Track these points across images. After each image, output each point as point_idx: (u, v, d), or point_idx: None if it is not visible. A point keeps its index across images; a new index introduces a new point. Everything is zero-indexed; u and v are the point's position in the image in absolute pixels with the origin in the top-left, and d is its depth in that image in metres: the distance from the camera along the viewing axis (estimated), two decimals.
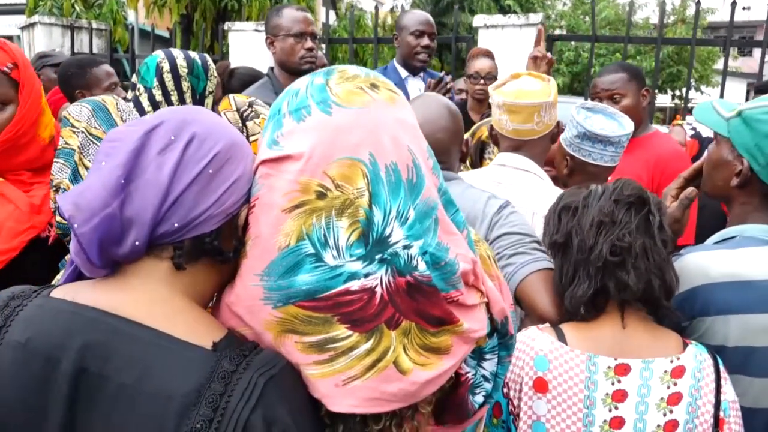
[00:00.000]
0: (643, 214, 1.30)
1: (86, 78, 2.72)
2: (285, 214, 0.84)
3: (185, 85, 2.11)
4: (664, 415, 1.25)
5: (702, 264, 1.42)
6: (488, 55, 3.83)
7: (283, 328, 0.83)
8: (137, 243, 0.84)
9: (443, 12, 22.73)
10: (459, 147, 1.77)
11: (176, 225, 0.84)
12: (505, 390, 1.34)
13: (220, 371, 0.79)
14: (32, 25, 6.33)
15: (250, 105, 2.10)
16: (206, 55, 2.32)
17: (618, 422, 1.25)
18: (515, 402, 1.32)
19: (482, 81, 3.69)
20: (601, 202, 1.31)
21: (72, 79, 2.76)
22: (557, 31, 13.46)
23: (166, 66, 2.10)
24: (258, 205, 0.87)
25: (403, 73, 3.41)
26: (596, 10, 16.34)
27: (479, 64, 3.78)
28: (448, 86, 3.00)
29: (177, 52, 2.19)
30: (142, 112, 2.01)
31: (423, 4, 25.88)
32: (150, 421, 0.77)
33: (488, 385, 0.97)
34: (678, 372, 1.27)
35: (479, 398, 0.97)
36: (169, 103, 2.03)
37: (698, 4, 3.96)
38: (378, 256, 0.83)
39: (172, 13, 6.59)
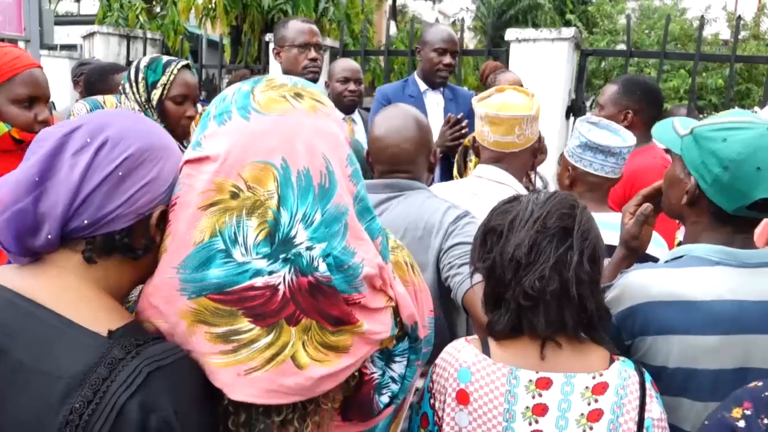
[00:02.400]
0: (564, 249, 1.25)
1: (107, 84, 2.91)
2: (201, 211, 0.90)
3: (140, 76, 2.21)
4: (584, 431, 1.24)
5: (643, 282, 1.40)
6: (507, 69, 3.85)
7: (196, 318, 0.89)
8: (50, 236, 0.91)
9: (505, 25, 22.59)
10: (426, 157, 1.80)
11: (86, 222, 0.91)
12: (432, 401, 1.35)
13: (109, 357, 0.85)
14: (92, 34, 6.69)
15: None
16: (184, 60, 2.35)
17: None
18: (440, 413, 1.33)
19: None
20: (522, 234, 1.27)
21: (95, 85, 2.96)
22: (620, 47, 13.16)
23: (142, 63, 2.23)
24: (178, 203, 0.94)
25: (422, 86, 3.43)
26: (661, 25, 15.92)
27: (509, 77, 3.77)
28: (464, 130, 2.94)
29: (155, 56, 2.30)
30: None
31: (485, 17, 25.83)
32: (39, 398, 0.84)
33: (395, 387, 1.01)
34: (600, 388, 1.26)
35: (385, 399, 1.01)
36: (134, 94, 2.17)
37: None
38: (282, 256, 0.88)
39: (222, 23, 6.83)
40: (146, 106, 2.13)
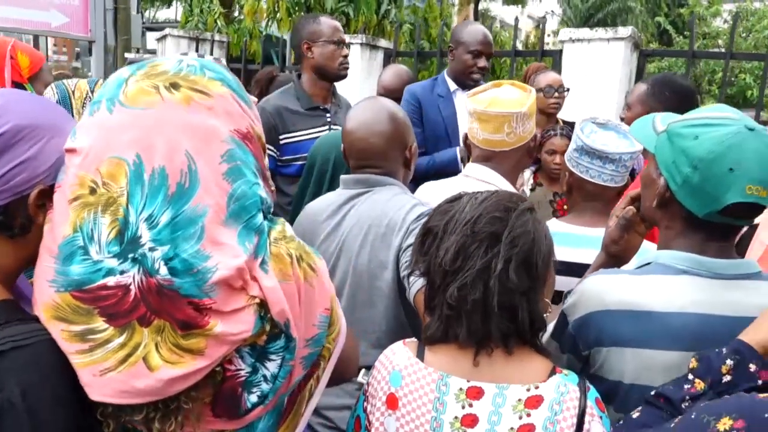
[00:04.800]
0: (490, 256, 1.16)
1: None
2: (68, 204, 0.89)
3: None
4: None
5: (599, 289, 1.28)
6: (550, 69, 3.70)
7: (55, 314, 0.88)
8: None
9: (593, 28, 21.95)
10: (401, 152, 1.73)
11: None
12: (365, 404, 1.29)
13: None
14: (164, 37, 6.99)
15: None
16: (221, 59, 2.45)
17: None
18: (370, 417, 1.27)
19: (556, 94, 3.55)
20: (452, 238, 1.19)
21: None
22: (715, 51, 12.46)
23: None
24: (58, 190, 0.93)
25: (452, 86, 3.32)
26: (759, 27, 14.92)
27: (551, 77, 3.64)
28: None
29: (192, 54, 2.35)
30: None
31: (571, 21, 25.15)
32: None
33: (266, 386, 0.97)
34: (533, 402, 1.16)
35: (254, 398, 0.97)
36: None
37: None
38: (131, 255, 0.86)
39: (285, 26, 6.96)
40: None
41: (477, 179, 1.84)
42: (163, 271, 0.86)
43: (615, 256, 1.53)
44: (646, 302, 1.23)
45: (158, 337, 0.86)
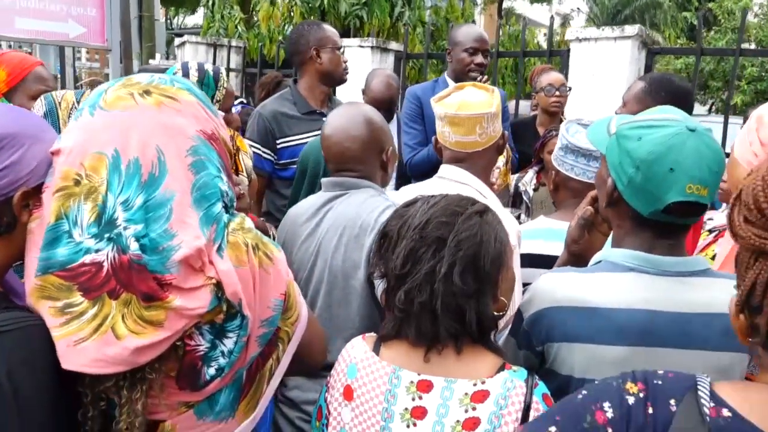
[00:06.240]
0: (436, 260, 1.21)
1: None
2: (52, 196, 1.02)
3: None
4: None
5: (550, 287, 1.32)
6: (554, 69, 3.72)
7: (42, 294, 1.00)
8: None
9: (621, 25, 21.67)
10: (377, 156, 1.79)
11: None
12: (327, 395, 1.36)
13: None
14: (183, 44, 7.15)
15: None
16: (220, 67, 2.55)
17: None
18: (330, 408, 1.33)
19: (557, 92, 3.59)
20: (404, 243, 1.25)
21: None
22: (745, 45, 12.23)
23: (179, 74, 2.37)
24: (46, 190, 1.05)
25: (452, 86, 3.38)
26: None
27: (551, 77, 3.68)
28: None
29: (192, 63, 2.45)
30: None
31: (598, 18, 24.86)
32: None
33: (223, 361, 1.07)
34: (479, 396, 1.21)
35: (212, 371, 1.07)
36: None
37: None
38: (107, 235, 0.99)
39: None
40: None
41: (452, 180, 1.88)
42: (134, 246, 0.98)
43: (576, 254, 1.57)
44: (593, 299, 1.27)
45: (125, 309, 0.98)
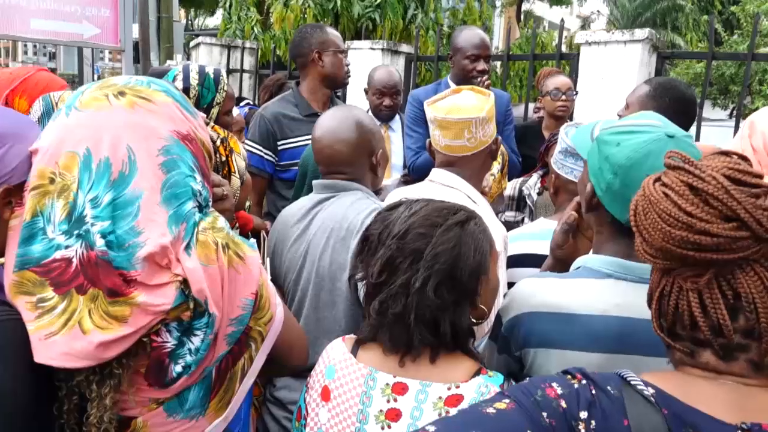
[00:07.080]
0: (410, 273, 1.22)
1: None
2: (28, 194, 1.06)
3: (192, 93, 2.39)
4: None
5: (528, 292, 1.32)
6: (561, 73, 3.70)
7: (19, 290, 1.03)
8: None
9: (643, 27, 21.48)
10: (367, 159, 1.80)
11: None
12: (306, 395, 1.37)
13: None
14: (198, 45, 7.21)
15: (222, 141, 2.33)
16: (221, 69, 2.59)
17: None
18: (308, 408, 1.34)
19: (563, 96, 3.58)
20: (383, 251, 1.25)
21: None
22: (762, 50, 12.05)
23: (180, 76, 2.41)
24: (27, 189, 1.08)
25: None
26: None
27: (558, 81, 3.66)
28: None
29: (194, 66, 2.49)
30: None
31: (619, 21, 24.65)
32: None
33: (190, 358, 1.09)
34: (453, 400, 1.21)
35: (179, 368, 1.08)
36: None
37: None
38: (76, 232, 1.02)
39: None
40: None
41: (442, 184, 1.89)
42: (100, 243, 1.01)
43: (561, 259, 1.56)
44: (570, 305, 1.27)
45: (92, 304, 1.01)
